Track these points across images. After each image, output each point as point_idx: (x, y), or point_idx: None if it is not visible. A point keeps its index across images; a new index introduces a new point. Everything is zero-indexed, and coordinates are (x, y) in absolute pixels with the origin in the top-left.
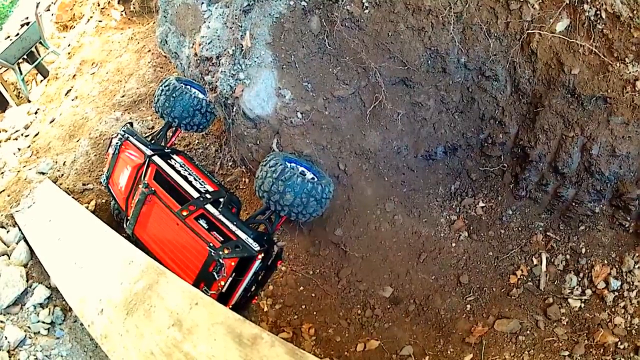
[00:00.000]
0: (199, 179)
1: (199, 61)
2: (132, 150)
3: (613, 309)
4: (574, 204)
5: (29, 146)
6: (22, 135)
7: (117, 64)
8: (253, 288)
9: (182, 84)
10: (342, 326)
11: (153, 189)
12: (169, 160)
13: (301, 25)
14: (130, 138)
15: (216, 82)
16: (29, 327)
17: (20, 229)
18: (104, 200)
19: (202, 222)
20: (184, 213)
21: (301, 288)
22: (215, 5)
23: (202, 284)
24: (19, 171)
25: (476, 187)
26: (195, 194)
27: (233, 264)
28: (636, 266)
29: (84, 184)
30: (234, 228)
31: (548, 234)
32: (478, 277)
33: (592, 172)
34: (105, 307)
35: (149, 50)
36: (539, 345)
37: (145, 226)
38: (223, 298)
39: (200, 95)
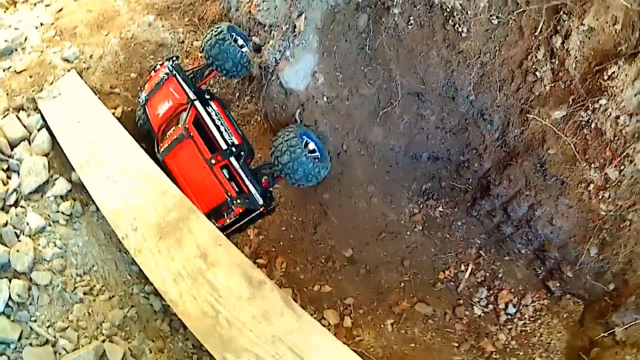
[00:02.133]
0: (228, 129)
1: (250, 19)
2: (176, 87)
3: (501, 327)
4: (508, 239)
5: (52, 24)
6: (41, 1)
7: None
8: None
9: (232, 35)
10: (307, 268)
11: (191, 133)
12: (207, 107)
13: (350, 19)
14: (177, 76)
15: (263, 49)
16: (49, 215)
17: (42, 117)
18: (129, 109)
19: (224, 171)
20: (213, 161)
21: (283, 228)
22: None
23: (212, 217)
24: (42, 51)
25: (442, 193)
26: (224, 146)
27: (240, 210)
28: (531, 304)
29: (111, 87)
30: (247, 182)
31: (480, 251)
32: (417, 264)
33: (530, 225)
34: (139, 226)
35: None
36: (440, 331)
37: (176, 158)
38: (223, 228)
39: (245, 49)
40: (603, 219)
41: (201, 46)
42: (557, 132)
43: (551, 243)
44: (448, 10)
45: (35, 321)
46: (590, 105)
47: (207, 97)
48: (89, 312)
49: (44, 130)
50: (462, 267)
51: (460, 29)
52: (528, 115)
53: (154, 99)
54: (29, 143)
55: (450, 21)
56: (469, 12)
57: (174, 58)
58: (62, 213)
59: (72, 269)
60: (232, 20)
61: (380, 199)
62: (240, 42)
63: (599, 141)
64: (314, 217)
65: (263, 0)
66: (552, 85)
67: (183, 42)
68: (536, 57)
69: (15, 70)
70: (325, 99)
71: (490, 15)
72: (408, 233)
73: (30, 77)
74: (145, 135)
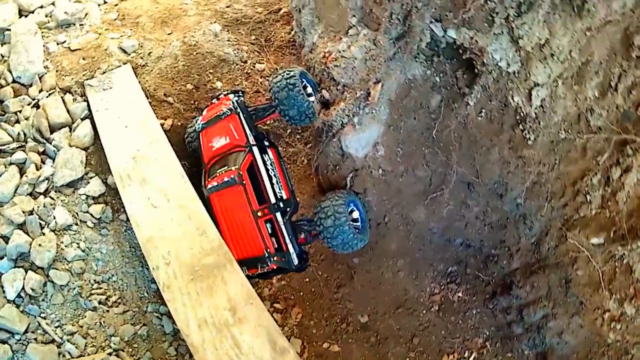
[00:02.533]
0: (279, 182)
1: (324, 70)
2: (237, 126)
3: None
4: (515, 338)
5: (116, 5)
6: None
7: None
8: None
9: (302, 81)
10: (320, 324)
11: (244, 181)
12: (263, 155)
13: (424, 97)
14: (241, 115)
15: (332, 108)
16: (77, 213)
17: (89, 106)
18: (180, 123)
19: (268, 225)
20: (259, 214)
21: (307, 280)
22: (365, 28)
23: (244, 264)
24: (100, 34)
25: (465, 279)
26: (273, 199)
27: (274, 266)
28: None
29: (165, 95)
30: (288, 241)
31: (487, 342)
32: (425, 343)
33: (540, 332)
34: (172, 261)
35: None
36: None
37: (222, 200)
38: (252, 276)
39: (312, 99)
40: (608, 346)
41: (269, 85)
42: (590, 257)
43: (555, 353)
44: (522, 114)
45: (44, 318)
46: (628, 243)
47: (266, 143)
48: (100, 322)
49: (87, 122)
50: (466, 354)
51: (527, 135)
52: (567, 232)
53: (211, 130)
54: (70, 131)
55: (520, 125)
56: (541, 122)
57: (240, 93)
58: (91, 215)
59: (91, 274)
60: (301, 58)
61: (407, 273)
62: (309, 90)
63: (627, 277)
64: (339, 277)
65: (342, 56)
66: (599, 211)
67: (246, 62)
68: (591, 180)
69: (69, 47)
70: (380, 171)
71: (560, 130)
72: (424, 311)
73: (84, 59)
74: (191, 154)
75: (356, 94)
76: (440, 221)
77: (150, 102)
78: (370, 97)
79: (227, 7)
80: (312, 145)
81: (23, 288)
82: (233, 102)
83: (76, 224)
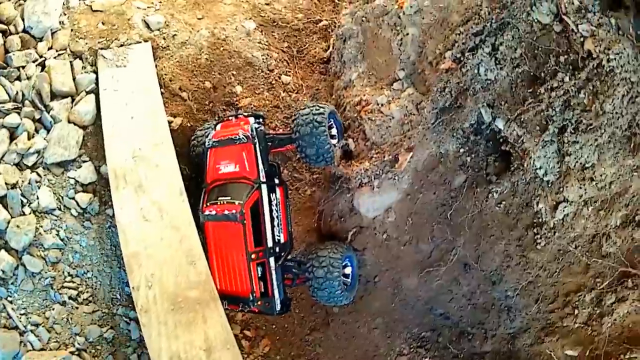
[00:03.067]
0: (280, 224)
1: (357, 119)
2: (250, 157)
3: None
4: None
5: None
6: None
7: None
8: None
9: (329, 122)
10: None
11: (245, 220)
12: (270, 195)
13: (450, 174)
14: (257, 146)
15: (354, 164)
16: (62, 197)
17: (97, 82)
18: (189, 124)
19: (259, 269)
20: (253, 256)
21: (282, 318)
22: (411, 86)
23: (225, 300)
24: (126, 1)
25: (434, 347)
26: (270, 243)
27: (256, 310)
28: None
29: (180, 88)
30: (275, 288)
31: None
32: None
33: None
34: (155, 285)
35: None
36: None
37: (217, 231)
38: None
39: (334, 143)
40: None
41: (294, 115)
42: None
43: None
44: (540, 220)
45: (11, 302)
46: None
47: (276, 181)
48: (67, 318)
49: (92, 97)
50: None
51: (539, 240)
52: (546, 337)
53: (221, 151)
54: (72, 103)
55: (535, 229)
56: (556, 233)
57: (261, 119)
58: (77, 203)
59: (66, 265)
60: (333, 89)
61: (382, 331)
62: (334, 132)
63: None
64: (315, 321)
65: (380, 110)
66: (582, 327)
67: (272, 70)
68: (584, 297)
69: (91, 6)
70: (385, 235)
71: (571, 244)
72: None
73: (103, 23)
74: (193, 159)
75: (384, 157)
76: (428, 291)
77: (162, 93)
78: (398, 164)
79: (267, 4)
80: (321, 184)
81: None
82: (252, 130)
83: (59, 209)
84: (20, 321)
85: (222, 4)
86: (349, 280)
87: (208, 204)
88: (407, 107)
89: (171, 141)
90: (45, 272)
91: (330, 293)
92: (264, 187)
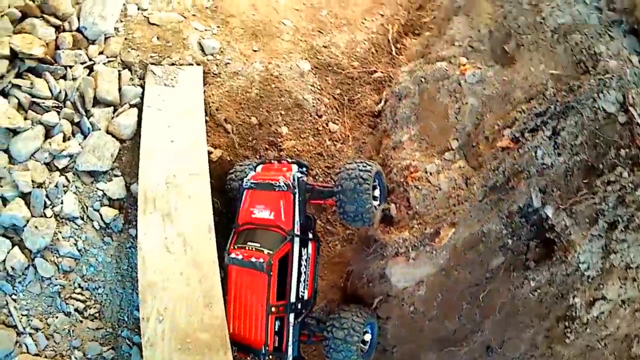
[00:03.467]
0: (307, 280)
1: (402, 184)
2: (287, 207)
3: None
4: None
5: None
6: None
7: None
8: None
9: (375, 180)
10: None
11: (271, 272)
12: (302, 249)
13: (489, 254)
14: (296, 197)
15: (393, 231)
16: (86, 207)
17: (142, 97)
18: (229, 158)
19: (277, 322)
20: (273, 309)
21: None
22: (463, 159)
23: (236, 347)
24: (185, 17)
25: None
26: (293, 298)
27: None
28: None
29: (225, 120)
30: (290, 345)
31: None
32: None
33: None
34: (166, 320)
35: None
36: None
37: (240, 277)
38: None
39: (376, 204)
40: None
41: (339, 169)
42: None
43: None
44: (574, 315)
45: (14, 300)
46: None
47: (310, 236)
48: (69, 330)
49: (135, 111)
50: None
51: (568, 334)
52: None
53: (258, 194)
54: (114, 113)
55: (566, 322)
56: (587, 329)
57: (305, 169)
58: (101, 216)
59: (78, 277)
60: (380, 152)
61: None
62: (377, 193)
63: None
64: None
65: (427, 179)
66: None
67: (320, 116)
68: None
69: (148, 19)
70: (412, 308)
71: (600, 340)
72: None
73: (158, 38)
74: (226, 193)
75: (425, 229)
76: None
77: (206, 121)
78: (439, 238)
79: (324, 47)
80: (354, 243)
81: (4, 261)
82: (294, 179)
83: (82, 219)
84: (21, 322)
85: (280, 39)
86: (367, 347)
87: (236, 247)
88: (456, 180)
89: (208, 174)
90: (56, 279)
91: (346, 357)
92: (296, 240)
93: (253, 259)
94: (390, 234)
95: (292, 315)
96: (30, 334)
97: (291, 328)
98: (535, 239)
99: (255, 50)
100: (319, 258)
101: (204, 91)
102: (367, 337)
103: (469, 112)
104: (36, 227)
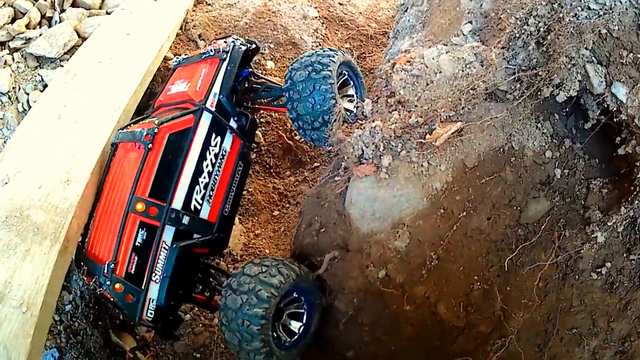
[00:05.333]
0: (212, 192)
1: (386, 75)
2: (208, 75)
3: None
4: None
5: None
6: None
7: None
8: None
9: (342, 72)
10: None
11: (151, 145)
12: (213, 137)
13: (522, 191)
14: (224, 64)
15: (357, 127)
16: (19, 88)
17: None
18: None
19: (141, 233)
20: (139, 207)
21: None
22: (477, 42)
23: (88, 265)
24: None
25: None
26: (177, 203)
27: (109, 297)
28: None
29: (199, 36)
30: (155, 278)
31: None
32: None
33: None
34: (9, 185)
35: None
36: None
37: (120, 158)
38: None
39: (340, 106)
40: None
41: (290, 65)
42: None
43: None
44: None
45: None
46: None
47: (233, 125)
48: None
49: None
50: None
51: None
52: None
53: (184, 69)
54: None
55: None
56: None
57: (254, 46)
58: (28, 101)
59: None
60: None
61: None
62: (351, 91)
63: None
64: None
65: (423, 63)
66: None
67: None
68: None
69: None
70: (382, 275)
71: None
72: None
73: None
74: None
75: (410, 118)
76: None
77: (178, 35)
78: (432, 135)
79: (340, 4)
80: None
81: None
82: (230, 45)
83: (8, 98)
84: None
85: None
86: (295, 334)
87: (131, 124)
88: (465, 59)
89: (149, 70)
90: None
91: (244, 343)
92: (205, 115)
93: (137, 129)
94: (351, 131)
95: (168, 231)
96: None
97: (163, 251)
98: (599, 177)
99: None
100: (243, 178)
101: (190, 17)
102: (296, 311)
103: None
104: None
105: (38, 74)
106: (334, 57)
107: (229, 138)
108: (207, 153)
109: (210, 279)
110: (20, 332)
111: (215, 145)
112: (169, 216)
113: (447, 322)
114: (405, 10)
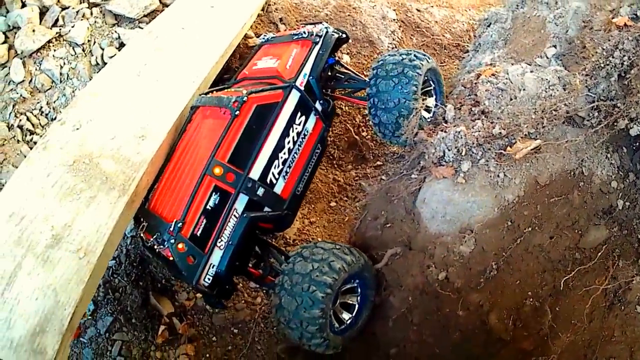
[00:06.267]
0: (288, 169)
1: (470, 84)
2: (300, 56)
3: None
4: None
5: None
6: None
7: None
8: None
9: (427, 79)
10: None
11: (237, 112)
12: (297, 116)
13: (585, 216)
14: (317, 48)
15: (441, 129)
16: (94, 41)
17: None
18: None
19: (214, 197)
20: (216, 170)
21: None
22: (560, 66)
23: (148, 221)
24: None
25: None
26: (254, 174)
27: (169, 256)
28: None
29: (280, 19)
30: (221, 245)
31: None
32: None
33: None
34: (80, 130)
35: None
36: None
37: (201, 121)
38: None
39: (421, 115)
40: None
41: (377, 61)
42: None
43: None
44: None
45: None
46: None
47: (318, 107)
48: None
49: None
50: None
51: None
52: None
53: (271, 47)
54: None
55: None
56: None
57: (344, 35)
58: (102, 55)
59: (44, 100)
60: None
61: None
62: (431, 102)
63: None
64: None
65: (507, 78)
66: None
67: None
68: None
69: None
70: (442, 277)
71: None
72: None
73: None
74: None
75: (493, 128)
76: None
77: (259, 15)
78: (512, 149)
79: (418, 10)
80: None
81: None
82: (322, 31)
83: (82, 50)
84: None
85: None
86: (347, 321)
87: (214, 92)
88: (549, 81)
89: (232, 42)
90: (21, 88)
91: (302, 307)
92: (294, 93)
93: (223, 96)
94: (434, 132)
95: (241, 199)
96: None
97: (231, 218)
98: None
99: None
100: (318, 160)
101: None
102: (351, 300)
103: (573, 15)
104: (33, 30)
105: (115, 32)
106: (423, 62)
107: (312, 119)
108: (291, 130)
109: (269, 256)
110: (74, 278)
111: (299, 124)
112: (245, 185)
113: (495, 333)
114: (488, 26)
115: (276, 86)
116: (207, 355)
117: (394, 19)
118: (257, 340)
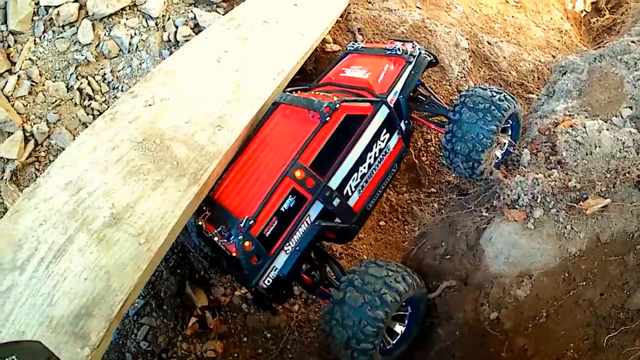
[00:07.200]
0: (364, 184)
1: (547, 132)
2: (392, 73)
3: None
4: None
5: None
6: None
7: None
8: None
9: (507, 122)
10: None
11: (328, 118)
12: (383, 133)
13: (635, 282)
14: (409, 67)
15: (520, 173)
16: (168, 17)
17: None
18: None
19: (290, 199)
20: (297, 174)
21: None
22: (634, 128)
23: (213, 210)
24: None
25: None
26: (334, 183)
27: (234, 252)
28: None
29: (359, 30)
30: (286, 246)
31: None
32: None
33: None
34: (153, 107)
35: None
36: None
37: (283, 119)
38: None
39: (497, 153)
40: None
41: (467, 90)
42: None
43: None
44: None
45: (35, 44)
46: None
47: (402, 127)
48: (55, 102)
49: None
50: None
51: None
52: None
53: (360, 57)
54: None
55: None
56: None
57: (434, 58)
58: (175, 33)
59: (108, 67)
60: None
61: None
62: (506, 141)
63: None
64: None
65: (585, 132)
66: None
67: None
68: None
69: None
70: (493, 316)
71: None
72: None
73: None
74: None
75: (569, 181)
76: None
77: (338, 22)
78: (584, 204)
79: (489, 43)
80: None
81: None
82: (416, 51)
83: (156, 24)
84: (22, 62)
85: (447, 14)
86: (395, 340)
87: (299, 92)
88: (624, 142)
89: (315, 37)
90: (87, 51)
91: (353, 340)
92: (383, 109)
93: (314, 98)
94: (512, 175)
95: (316, 206)
96: (19, 76)
97: (303, 225)
98: None
99: (418, 7)
100: (391, 176)
101: (351, 9)
102: (399, 327)
103: None
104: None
105: (191, 12)
106: (511, 105)
107: (395, 138)
108: (374, 145)
109: (325, 266)
110: (131, 264)
111: (383, 141)
112: (323, 193)
113: None
114: (564, 74)
115: (368, 99)
116: (235, 354)
117: (466, 48)
118: (289, 347)
